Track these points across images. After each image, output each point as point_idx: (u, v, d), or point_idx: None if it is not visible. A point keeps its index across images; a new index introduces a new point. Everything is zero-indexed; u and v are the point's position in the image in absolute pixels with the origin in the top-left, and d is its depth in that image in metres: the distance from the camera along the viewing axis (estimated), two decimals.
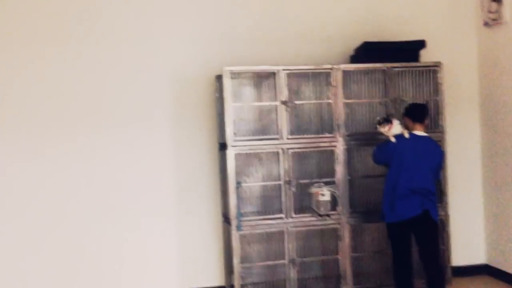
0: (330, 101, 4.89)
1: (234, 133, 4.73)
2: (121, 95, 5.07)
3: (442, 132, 5.02)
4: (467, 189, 5.56)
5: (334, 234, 4.91)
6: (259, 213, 4.92)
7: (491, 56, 5.38)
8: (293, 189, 4.81)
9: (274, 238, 4.87)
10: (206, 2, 5.21)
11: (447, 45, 5.52)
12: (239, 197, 4.73)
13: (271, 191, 4.90)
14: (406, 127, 4.51)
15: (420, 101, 4.94)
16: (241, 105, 4.88)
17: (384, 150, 4.51)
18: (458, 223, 5.42)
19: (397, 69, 4.98)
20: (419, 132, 4.47)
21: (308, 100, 4.97)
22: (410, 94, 5.02)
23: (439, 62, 5.05)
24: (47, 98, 4.95)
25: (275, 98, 4.80)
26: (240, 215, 4.71)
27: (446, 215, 5.05)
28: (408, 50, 5.11)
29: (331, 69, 4.88)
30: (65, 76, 4.99)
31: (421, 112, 4.54)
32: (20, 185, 4.92)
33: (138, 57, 5.09)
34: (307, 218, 4.83)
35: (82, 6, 5.02)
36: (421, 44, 5.13)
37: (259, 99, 4.97)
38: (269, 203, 4.91)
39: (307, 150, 4.86)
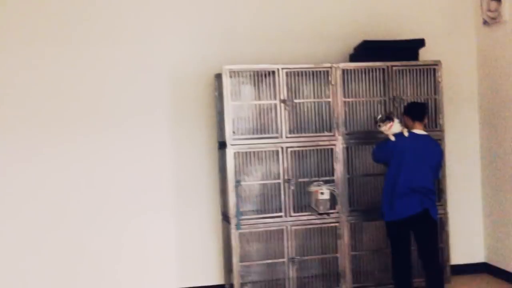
0: (329, 99, 4.89)
1: (233, 132, 4.74)
2: (120, 94, 5.07)
3: (441, 131, 5.02)
4: (466, 188, 5.57)
5: (334, 233, 4.91)
6: (258, 211, 4.93)
7: (490, 55, 5.38)
8: (293, 187, 4.81)
9: (273, 237, 4.87)
10: (205, 1, 5.21)
11: (447, 44, 5.52)
12: (238, 196, 4.73)
13: (271, 190, 4.90)
14: (405, 125, 4.51)
15: (419, 99, 4.95)
16: (240, 104, 4.88)
17: (383, 148, 4.51)
18: (457, 222, 5.42)
19: (396, 67, 4.99)
20: (419, 130, 4.47)
21: (307, 98, 4.96)
22: (409, 93, 5.02)
23: (439, 61, 5.05)
24: (46, 98, 4.96)
25: (274, 96, 4.81)
26: (239, 213, 4.71)
27: (445, 214, 5.05)
28: (408, 49, 5.11)
29: (330, 67, 4.88)
30: (65, 75, 4.99)
31: (420, 111, 4.54)
32: (19, 185, 4.92)
33: (137, 56, 5.09)
34: (306, 217, 4.84)
35: (82, 5, 5.02)
36: (420, 42, 5.13)
37: (259, 97, 4.96)
38: (268, 202, 4.91)
39: (307, 148, 4.87)
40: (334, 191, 4.85)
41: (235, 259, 4.72)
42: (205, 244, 5.21)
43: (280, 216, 4.80)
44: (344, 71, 4.91)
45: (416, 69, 5.03)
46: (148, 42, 5.11)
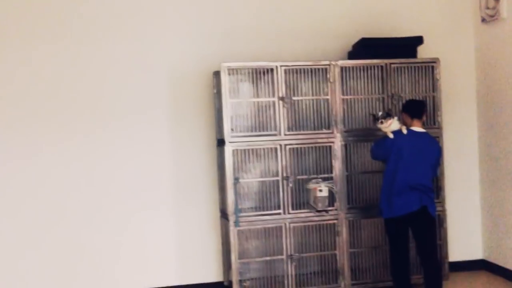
0: (327, 97, 4.90)
1: (232, 129, 4.74)
2: (120, 92, 5.07)
3: (439, 128, 5.03)
4: (464, 185, 5.58)
5: (332, 230, 4.92)
6: (257, 209, 4.93)
7: (488, 52, 5.39)
8: (291, 185, 4.82)
9: (272, 234, 4.87)
10: None
11: (445, 41, 5.53)
12: (237, 193, 4.74)
13: (269, 187, 4.90)
14: (404, 123, 4.52)
15: (417, 97, 4.96)
16: (238, 101, 4.88)
17: (382, 146, 4.52)
18: (455, 219, 5.44)
19: (394, 65, 4.99)
20: (417, 128, 4.47)
21: (306, 96, 4.96)
22: (407, 90, 5.03)
23: (437, 58, 5.06)
24: (46, 97, 4.96)
25: (273, 94, 4.81)
26: (238, 211, 4.72)
27: (444, 211, 5.07)
28: (406, 46, 5.11)
29: (329, 65, 4.89)
30: (64, 74, 4.99)
31: (419, 108, 4.54)
32: (19, 183, 4.92)
33: (136, 54, 5.09)
34: (305, 214, 4.85)
35: (81, 4, 5.02)
36: (418, 40, 5.13)
37: (257, 95, 4.96)
38: (267, 199, 4.91)
39: (305, 146, 4.88)
40: (333, 188, 4.86)
41: (234, 256, 4.72)
42: (204, 241, 5.22)
43: (279, 213, 4.80)
44: (342, 69, 4.92)
45: (415, 67, 5.04)
46: (147, 40, 5.11)
